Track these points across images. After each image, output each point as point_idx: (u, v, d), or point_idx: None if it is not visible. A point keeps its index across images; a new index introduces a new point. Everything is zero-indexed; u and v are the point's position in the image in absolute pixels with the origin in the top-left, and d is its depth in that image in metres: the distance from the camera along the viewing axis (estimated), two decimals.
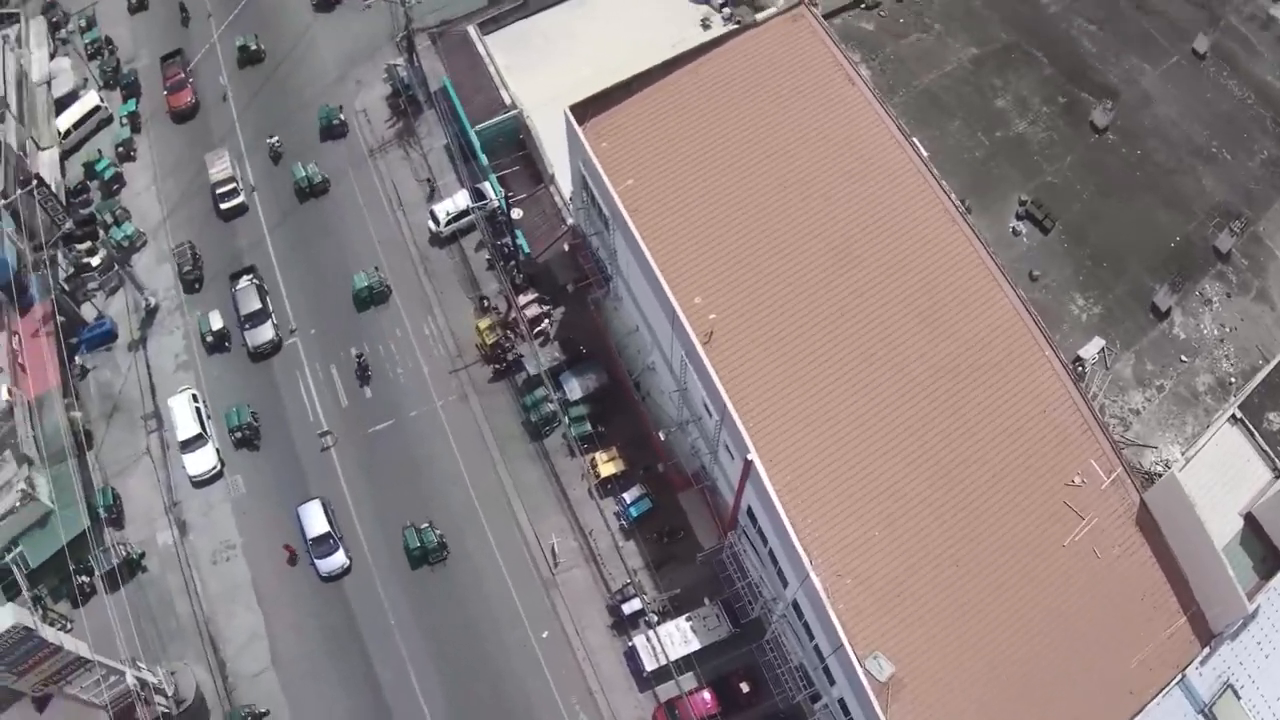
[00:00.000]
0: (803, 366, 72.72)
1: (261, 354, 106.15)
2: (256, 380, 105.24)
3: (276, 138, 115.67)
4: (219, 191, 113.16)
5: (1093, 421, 72.29)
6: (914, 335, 73.91)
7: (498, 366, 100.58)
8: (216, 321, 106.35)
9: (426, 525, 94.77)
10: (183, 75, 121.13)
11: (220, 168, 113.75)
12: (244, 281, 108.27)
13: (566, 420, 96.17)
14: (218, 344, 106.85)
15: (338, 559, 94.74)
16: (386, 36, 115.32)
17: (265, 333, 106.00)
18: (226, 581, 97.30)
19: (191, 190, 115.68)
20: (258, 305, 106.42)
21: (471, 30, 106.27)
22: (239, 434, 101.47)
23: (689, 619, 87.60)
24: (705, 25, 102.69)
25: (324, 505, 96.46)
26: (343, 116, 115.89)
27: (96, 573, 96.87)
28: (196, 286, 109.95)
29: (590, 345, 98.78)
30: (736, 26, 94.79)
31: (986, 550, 69.15)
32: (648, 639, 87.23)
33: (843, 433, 71.12)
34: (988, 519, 69.83)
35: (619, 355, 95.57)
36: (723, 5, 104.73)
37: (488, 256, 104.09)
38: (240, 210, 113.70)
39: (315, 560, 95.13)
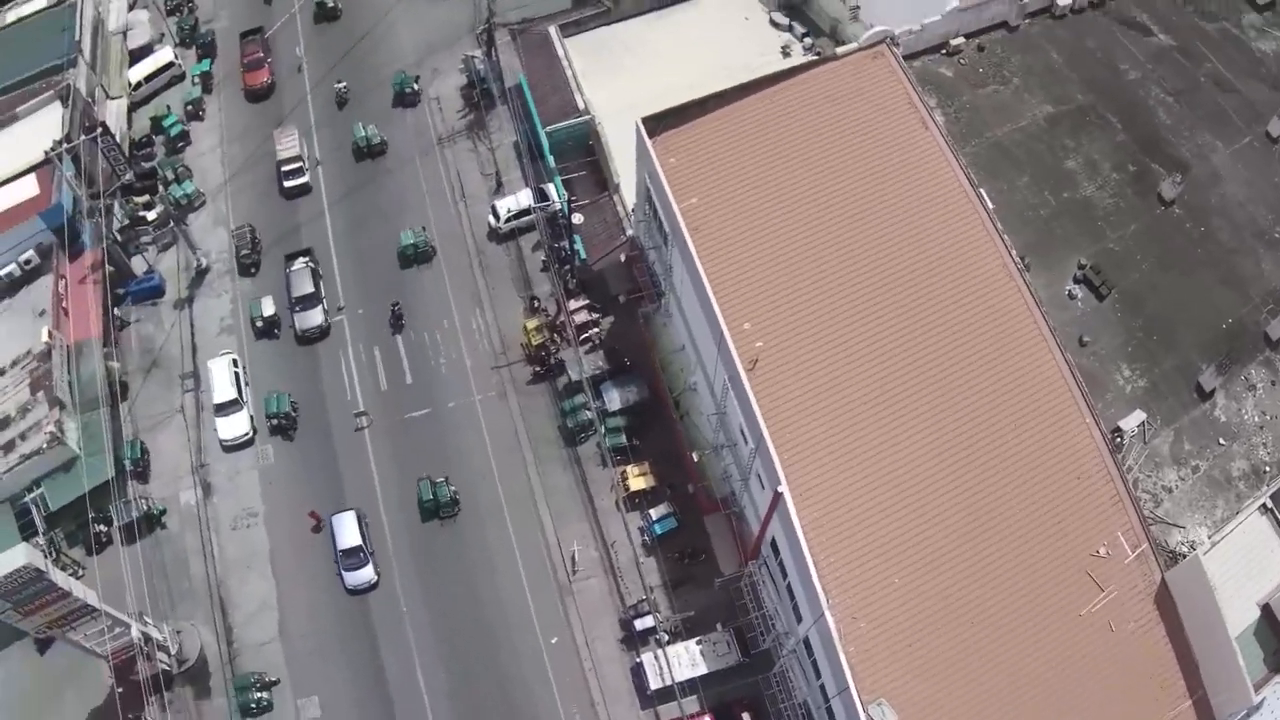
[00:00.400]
0: (843, 404, 73.13)
1: (309, 338, 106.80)
2: (301, 363, 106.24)
3: (344, 84, 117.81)
4: (284, 169, 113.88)
5: (1125, 495, 72.49)
6: (957, 385, 74.14)
7: (540, 368, 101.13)
8: (269, 307, 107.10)
9: (442, 480, 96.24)
10: (261, 54, 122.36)
11: (288, 144, 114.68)
12: (299, 263, 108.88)
13: (602, 430, 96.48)
14: (267, 330, 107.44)
15: (366, 574, 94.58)
16: (467, 27, 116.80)
17: (314, 317, 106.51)
18: (244, 548, 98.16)
19: (256, 158, 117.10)
20: (310, 289, 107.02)
21: (552, 31, 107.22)
22: (275, 421, 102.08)
23: (699, 642, 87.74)
24: (785, 53, 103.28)
25: (358, 518, 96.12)
26: (417, 86, 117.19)
27: (115, 524, 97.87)
28: (253, 270, 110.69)
29: (634, 358, 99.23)
30: (816, 58, 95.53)
31: (1003, 610, 69.32)
32: (656, 657, 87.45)
33: (875, 475, 71.47)
34: (1009, 579, 69.99)
35: (662, 371, 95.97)
36: (804, 35, 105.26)
37: (544, 258, 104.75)
38: (304, 190, 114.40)
39: (343, 571, 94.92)
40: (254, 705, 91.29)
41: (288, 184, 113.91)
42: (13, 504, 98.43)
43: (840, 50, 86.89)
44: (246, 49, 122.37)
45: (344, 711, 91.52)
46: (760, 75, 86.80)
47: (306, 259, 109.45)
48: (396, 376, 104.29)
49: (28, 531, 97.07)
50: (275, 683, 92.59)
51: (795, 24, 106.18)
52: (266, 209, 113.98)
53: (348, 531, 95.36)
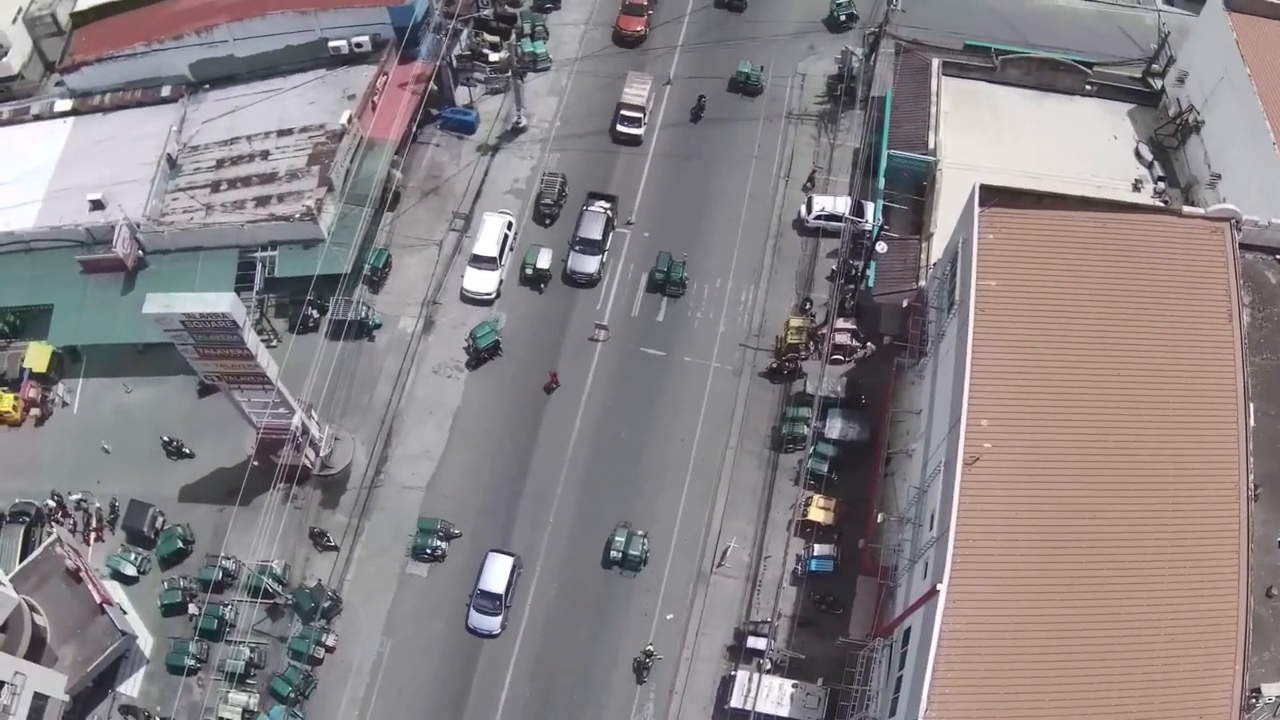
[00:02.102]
0: (1036, 532, 73.19)
1: (575, 282, 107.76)
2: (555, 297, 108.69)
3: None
4: (624, 114, 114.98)
5: None
6: (1139, 570, 73.69)
7: (781, 366, 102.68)
8: (544, 260, 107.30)
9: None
10: (644, 2, 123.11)
11: (637, 91, 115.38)
12: (597, 206, 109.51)
13: (810, 450, 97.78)
14: (533, 282, 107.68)
15: (490, 623, 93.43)
16: (860, 21, 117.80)
17: (589, 264, 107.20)
18: (435, 394, 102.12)
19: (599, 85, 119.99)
20: (597, 236, 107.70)
21: (934, 64, 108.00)
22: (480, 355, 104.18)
23: (794, 686, 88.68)
24: (1136, 187, 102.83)
25: (513, 566, 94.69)
26: (763, 83, 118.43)
27: (327, 315, 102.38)
28: (548, 222, 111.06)
29: (870, 399, 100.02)
30: (1161, 205, 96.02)
31: None
32: (749, 679, 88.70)
33: (1034, 617, 71.35)
34: None
35: (889, 424, 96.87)
36: (1159, 178, 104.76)
37: (834, 267, 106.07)
38: (632, 141, 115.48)
39: (472, 610, 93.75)
40: (428, 550, 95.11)
41: (620, 128, 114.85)
42: (242, 253, 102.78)
43: (1186, 209, 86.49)
44: None
45: (450, 580, 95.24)
46: (1104, 197, 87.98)
47: (608, 206, 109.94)
48: (650, 309, 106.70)
49: (243, 284, 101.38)
50: (458, 535, 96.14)
51: (1157, 164, 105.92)
52: (591, 147, 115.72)
53: (497, 575, 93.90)
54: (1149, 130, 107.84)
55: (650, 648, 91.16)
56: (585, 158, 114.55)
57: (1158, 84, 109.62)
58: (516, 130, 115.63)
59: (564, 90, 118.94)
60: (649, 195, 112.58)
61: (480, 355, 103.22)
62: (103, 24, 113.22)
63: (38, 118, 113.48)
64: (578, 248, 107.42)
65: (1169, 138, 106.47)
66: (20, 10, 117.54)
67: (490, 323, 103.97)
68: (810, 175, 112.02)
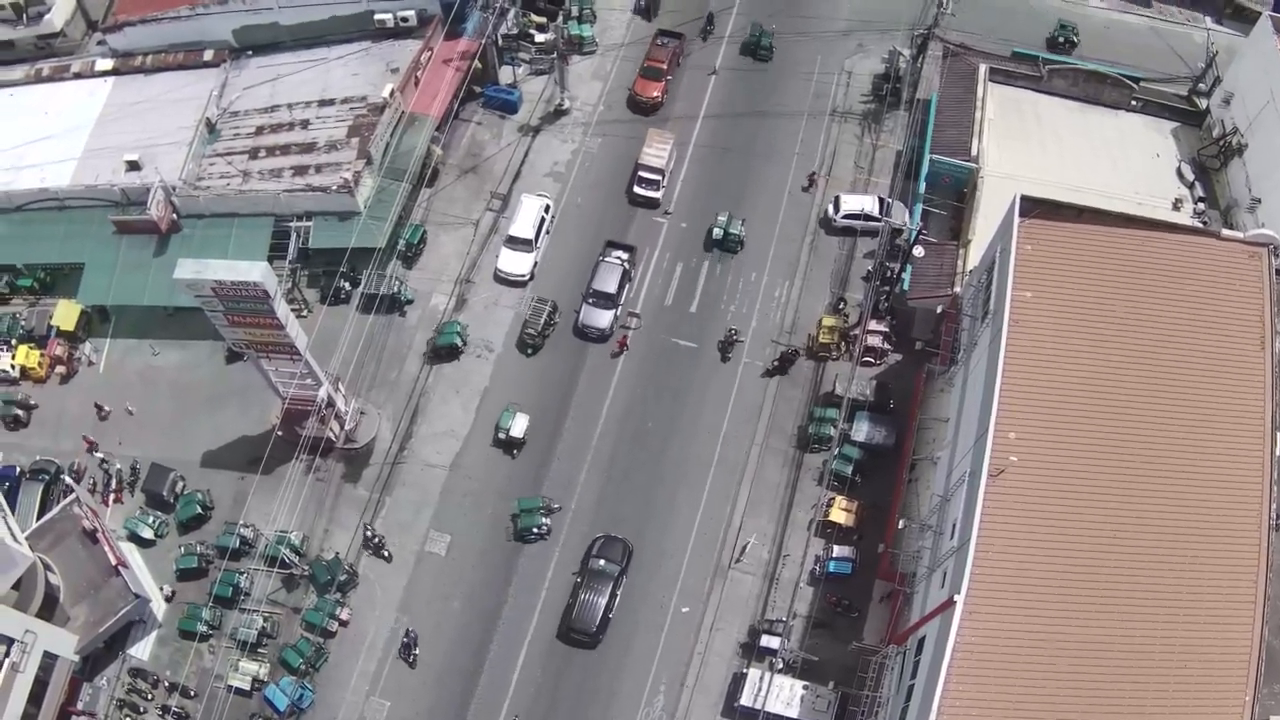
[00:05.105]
0: (1056, 554, 73.67)
1: (586, 336, 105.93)
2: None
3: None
4: (641, 174, 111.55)
5: None
6: (1160, 594, 74.16)
7: (783, 360, 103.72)
8: (519, 426, 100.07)
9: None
10: (664, 65, 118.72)
11: (656, 151, 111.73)
12: (614, 257, 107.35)
13: (835, 452, 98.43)
14: (505, 446, 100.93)
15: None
16: (907, 23, 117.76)
17: (603, 319, 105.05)
18: (464, 374, 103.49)
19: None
20: (612, 290, 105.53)
21: (981, 69, 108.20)
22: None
23: (805, 688, 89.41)
24: (1176, 206, 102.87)
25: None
26: (772, 42, 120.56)
27: (359, 288, 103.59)
28: (530, 352, 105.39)
29: (899, 404, 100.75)
30: (1200, 226, 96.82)
31: None
32: (760, 678, 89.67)
33: (1049, 635, 71.83)
34: None
35: (916, 430, 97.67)
36: (1200, 199, 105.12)
37: (870, 268, 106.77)
38: (650, 204, 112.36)
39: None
40: (534, 530, 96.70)
41: (637, 190, 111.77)
42: (277, 222, 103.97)
43: (1224, 233, 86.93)
44: (653, 54, 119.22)
45: (468, 559, 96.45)
46: (1144, 214, 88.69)
47: (625, 257, 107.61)
48: (684, 300, 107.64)
49: (276, 253, 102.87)
50: (558, 509, 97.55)
51: (1198, 184, 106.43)
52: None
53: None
54: (1192, 150, 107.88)
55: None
56: (627, 144, 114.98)
57: (1203, 103, 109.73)
58: (559, 113, 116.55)
59: (608, 75, 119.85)
60: (688, 185, 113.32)
61: (437, 351, 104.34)
62: None
63: (78, 76, 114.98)
64: (591, 300, 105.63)
65: (1211, 159, 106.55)
66: None
67: (456, 324, 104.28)
68: (810, 177, 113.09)
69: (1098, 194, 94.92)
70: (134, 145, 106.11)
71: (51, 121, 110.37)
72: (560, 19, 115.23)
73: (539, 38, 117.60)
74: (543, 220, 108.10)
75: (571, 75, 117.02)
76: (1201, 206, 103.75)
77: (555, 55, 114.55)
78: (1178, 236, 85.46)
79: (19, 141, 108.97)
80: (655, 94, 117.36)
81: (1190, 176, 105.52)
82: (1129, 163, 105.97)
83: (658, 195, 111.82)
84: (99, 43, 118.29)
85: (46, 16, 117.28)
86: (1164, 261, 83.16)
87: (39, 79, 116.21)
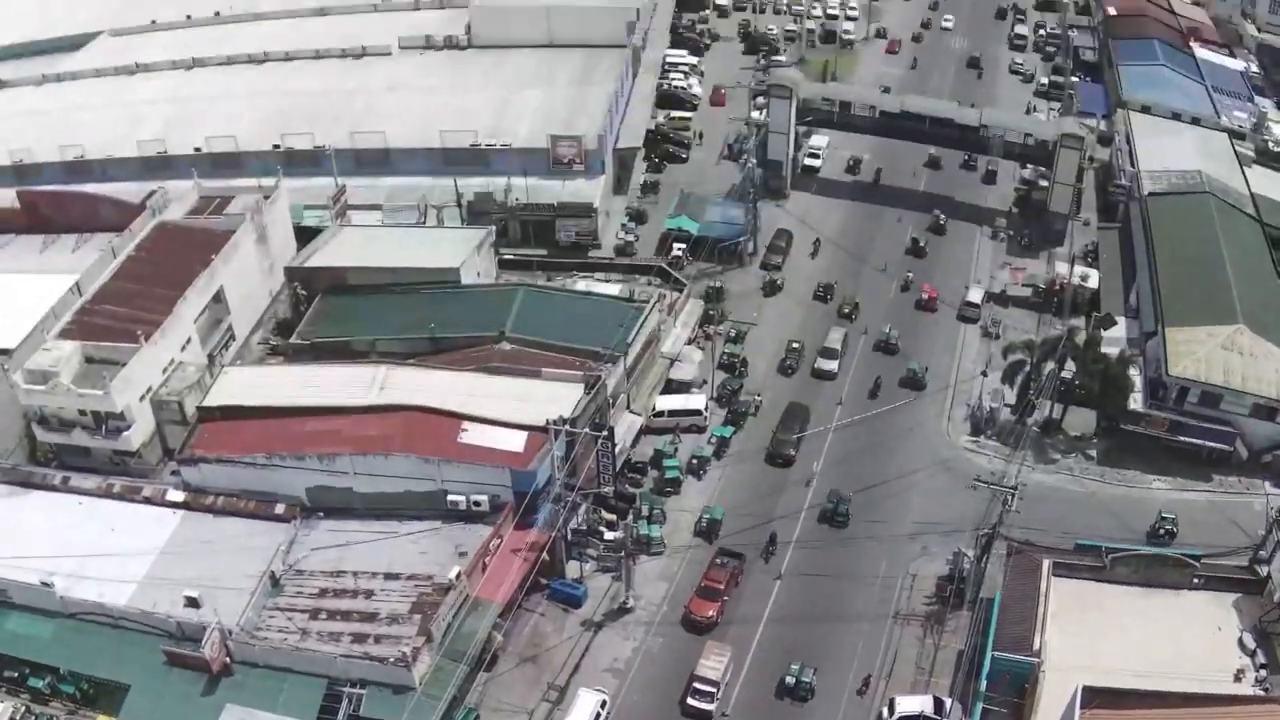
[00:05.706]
0: None
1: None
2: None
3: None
4: (696, 686, 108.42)
5: None
6: None
7: None
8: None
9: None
10: (721, 586, 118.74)
11: (714, 663, 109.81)
12: (593, 700, 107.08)
13: None
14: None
15: None
16: (973, 520, 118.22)
17: None
18: None
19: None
20: None
21: (1045, 565, 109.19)
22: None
23: None
24: (1238, 677, 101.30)
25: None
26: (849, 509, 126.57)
27: None
28: None
29: None
30: (1261, 695, 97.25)
31: None
32: None
33: None
34: None
35: None
36: (1260, 667, 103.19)
37: None
38: (702, 717, 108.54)
39: None
40: None
41: (691, 701, 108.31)
42: (330, 684, 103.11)
43: None
44: (711, 573, 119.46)
45: None
46: (1205, 690, 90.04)
47: (605, 701, 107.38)
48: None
49: (326, 715, 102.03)
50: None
51: (1260, 651, 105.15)
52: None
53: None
54: (1254, 618, 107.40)
55: None
56: (688, 644, 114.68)
57: (1264, 570, 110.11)
58: (623, 610, 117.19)
59: (674, 576, 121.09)
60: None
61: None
62: (228, 424, 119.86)
63: (148, 500, 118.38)
64: None
65: (1274, 624, 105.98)
66: (150, 389, 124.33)
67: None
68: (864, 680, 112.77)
69: (1161, 676, 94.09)
70: (195, 581, 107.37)
71: (117, 539, 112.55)
72: (630, 518, 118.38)
73: (608, 535, 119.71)
74: (599, 716, 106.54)
75: (638, 574, 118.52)
76: (1264, 673, 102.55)
77: (623, 554, 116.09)
78: (1239, 708, 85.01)
79: (82, 551, 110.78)
80: (711, 614, 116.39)
81: (1252, 645, 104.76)
82: (1191, 640, 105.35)
83: (711, 708, 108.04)
84: (173, 471, 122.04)
85: (125, 433, 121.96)
86: None
87: (109, 494, 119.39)
